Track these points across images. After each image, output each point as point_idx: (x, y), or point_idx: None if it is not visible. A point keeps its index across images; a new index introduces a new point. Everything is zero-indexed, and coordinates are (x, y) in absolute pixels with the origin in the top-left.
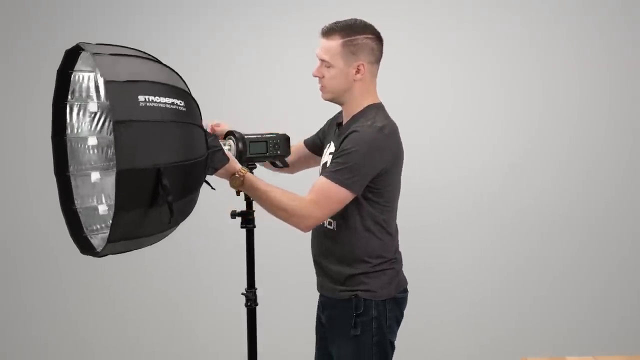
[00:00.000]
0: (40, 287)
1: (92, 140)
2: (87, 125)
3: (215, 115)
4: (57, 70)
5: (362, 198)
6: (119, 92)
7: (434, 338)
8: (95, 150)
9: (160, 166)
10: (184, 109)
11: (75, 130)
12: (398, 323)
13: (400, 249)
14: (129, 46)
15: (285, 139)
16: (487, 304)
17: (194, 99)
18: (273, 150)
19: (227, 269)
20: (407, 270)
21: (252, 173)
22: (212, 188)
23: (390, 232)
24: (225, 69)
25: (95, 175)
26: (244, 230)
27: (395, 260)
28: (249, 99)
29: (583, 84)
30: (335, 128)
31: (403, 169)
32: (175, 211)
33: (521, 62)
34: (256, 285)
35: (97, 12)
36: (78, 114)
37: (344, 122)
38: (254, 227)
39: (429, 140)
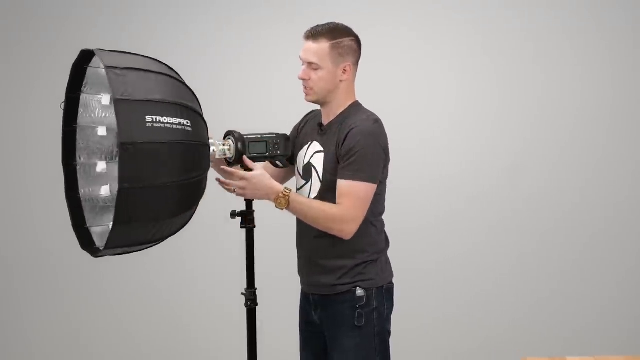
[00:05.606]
0: (40, 287)
1: (102, 131)
2: (97, 116)
3: (215, 115)
4: (73, 65)
5: None
6: (128, 111)
7: (434, 338)
8: (104, 142)
9: (159, 185)
10: (190, 129)
11: (85, 121)
12: (391, 312)
13: (401, 248)
14: (141, 54)
15: (285, 138)
16: (488, 304)
17: (202, 116)
18: (273, 150)
19: (227, 269)
20: (407, 269)
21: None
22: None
23: (381, 220)
24: (225, 69)
25: (101, 166)
26: (244, 230)
27: (385, 247)
28: (249, 99)
29: (583, 84)
30: (317, 129)
31: (402, 167)
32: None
33: (520, 61)
34: (256, 285)
35: (98, 11)
36: (89, 106)
37: (327, 122)
38: (254, 227)
39: (428, 139)
